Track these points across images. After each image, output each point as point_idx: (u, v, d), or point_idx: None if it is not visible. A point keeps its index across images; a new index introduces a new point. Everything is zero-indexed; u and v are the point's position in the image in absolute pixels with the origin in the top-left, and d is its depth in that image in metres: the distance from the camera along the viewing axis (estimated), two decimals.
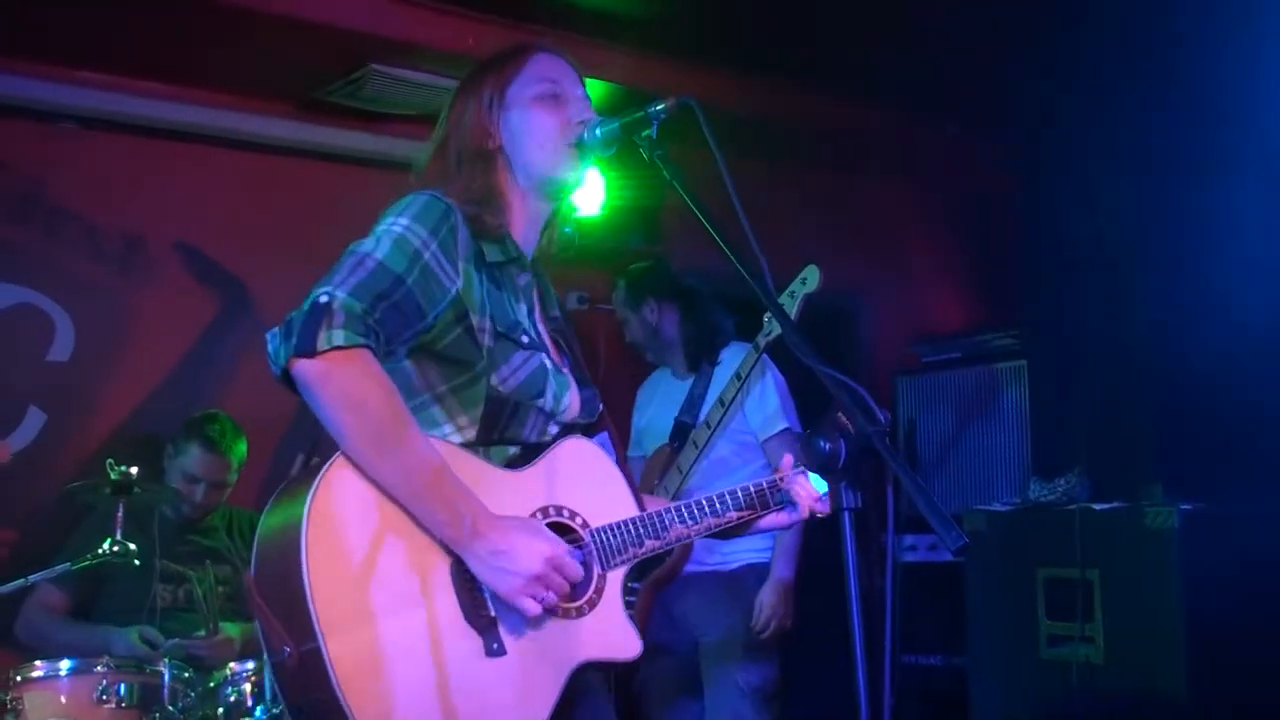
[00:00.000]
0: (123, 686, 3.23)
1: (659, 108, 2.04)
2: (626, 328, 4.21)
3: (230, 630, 3.75)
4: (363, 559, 1.82)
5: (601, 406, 2.19)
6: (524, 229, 2.15)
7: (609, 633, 2.00)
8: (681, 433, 3.93)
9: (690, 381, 4.05)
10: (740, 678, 3.81)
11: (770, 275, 1.94)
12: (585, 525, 2.01)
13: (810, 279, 3.61)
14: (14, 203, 4.32)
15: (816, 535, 2.51)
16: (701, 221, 1.96)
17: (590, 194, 4.81)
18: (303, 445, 4.67)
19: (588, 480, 2.05)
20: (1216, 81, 4.22)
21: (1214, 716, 3.66)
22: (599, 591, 2.00)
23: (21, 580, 3.46)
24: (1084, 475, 4.17)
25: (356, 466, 1.84)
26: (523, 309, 2.09)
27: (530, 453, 2.03)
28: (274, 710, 3.32)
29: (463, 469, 1.90)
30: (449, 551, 1.87)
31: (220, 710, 3.36)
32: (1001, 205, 5.70)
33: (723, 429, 3.82)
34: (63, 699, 3.21)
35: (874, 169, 5.89)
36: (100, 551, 3.33)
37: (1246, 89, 4.23)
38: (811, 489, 2.22)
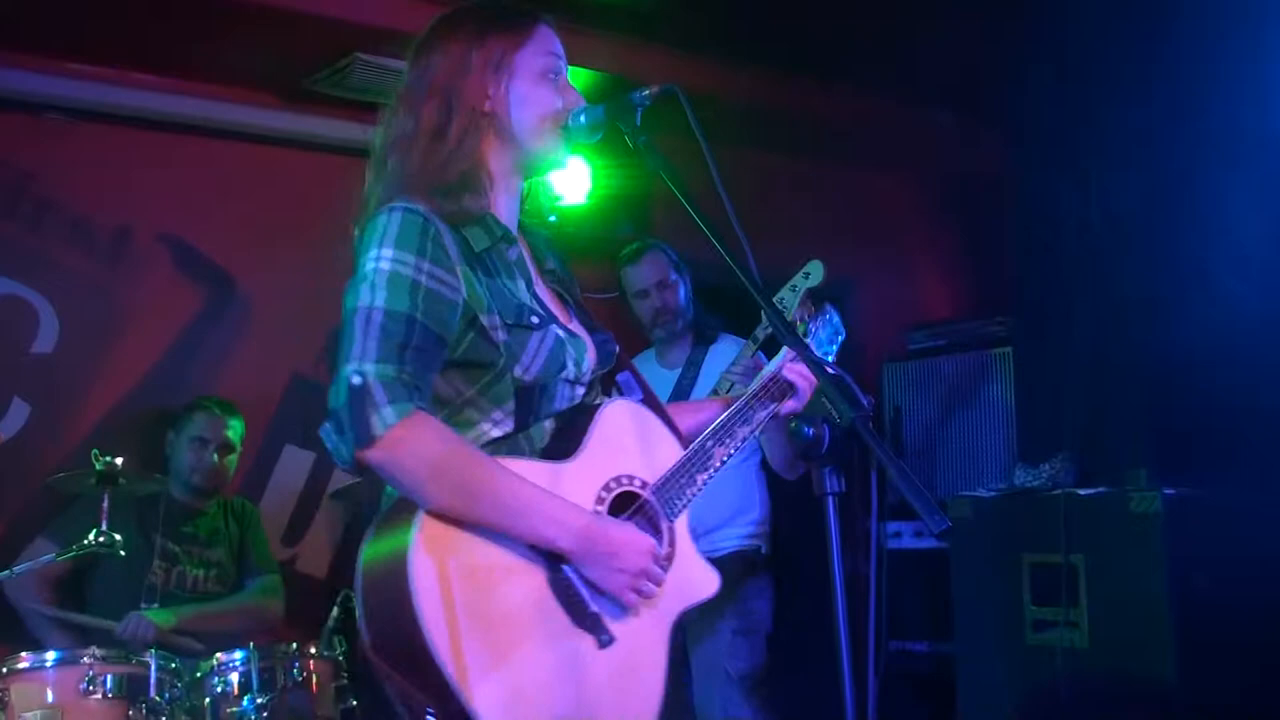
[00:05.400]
0: (109, 677, 3.23)
1: (643, 94, 2.04)
2: (667, 292, 4.07)
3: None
4: (473, 604, 1.83)
5: (617, 348, 2.18)
6: (507, 201, 2.12)
7: (689, 578, 2.06)
8: None
9: (677, 372, 4.05)
10: (728, 664, 3.81)
11: (756, 263, 1.94)
12: (644, 485, 2.04)
13: (814, 273, 3.57)
14: None
15: (800, 521, 2.51)
16: (688, 209, 1.96)
17: (577, 182, 4.81)
18: (292, 435, 4.68)
19: (635, 440, 2.07)
20: (1209, 69, 4.21)
21: (1199, 700, 3.68)
22: (672, 544, 2.04)
23: (7, 572, 3.46)
24: (1069, 461, 4.18)
25: (441, 516, 1.85)
26: (520, 285, 2.05)
27: (566, 426, 2.04)
28: (260, 700, 3.33)
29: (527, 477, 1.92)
30: (541, 567, 1.90)
31: (207, 700, 3.36)
32: (990, 193, 5.70)
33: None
34: (49, 690, 3.21)
35: (864, 157, 5.88)
36: (85, 542, 3.34)
37: (1239, 77, 4.22)
38: (803, 368, 2.24)
